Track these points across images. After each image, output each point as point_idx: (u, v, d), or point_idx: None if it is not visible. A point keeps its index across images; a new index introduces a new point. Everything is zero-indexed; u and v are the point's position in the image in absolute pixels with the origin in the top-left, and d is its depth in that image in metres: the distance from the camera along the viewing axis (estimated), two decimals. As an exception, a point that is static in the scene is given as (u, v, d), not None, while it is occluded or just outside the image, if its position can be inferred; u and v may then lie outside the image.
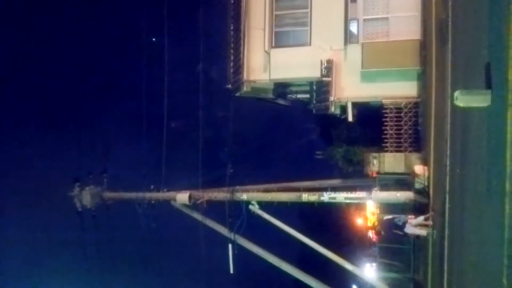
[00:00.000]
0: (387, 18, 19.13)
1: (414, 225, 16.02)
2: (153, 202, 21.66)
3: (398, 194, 18.08)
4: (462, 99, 9.51)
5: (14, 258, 38.00)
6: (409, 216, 16.22)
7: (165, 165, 21.43)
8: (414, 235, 16.72)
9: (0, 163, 37.09)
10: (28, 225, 36.29)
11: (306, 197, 19.39)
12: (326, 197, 19.07)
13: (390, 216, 17.14)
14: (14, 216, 36.41)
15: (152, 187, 21.79)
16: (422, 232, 16.08)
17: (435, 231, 15.10)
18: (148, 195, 21.66)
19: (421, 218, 15.94)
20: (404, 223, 16.26)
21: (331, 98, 19.46)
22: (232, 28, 20.91)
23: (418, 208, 17.49)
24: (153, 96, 23.14)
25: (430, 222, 15.56)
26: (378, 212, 20.08)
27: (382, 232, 18.54)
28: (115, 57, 35.07)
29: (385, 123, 19.46)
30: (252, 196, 20.46)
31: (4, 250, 37.79)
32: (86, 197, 21.95)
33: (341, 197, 19.02)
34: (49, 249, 36.70)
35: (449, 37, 13.47)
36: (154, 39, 22.74)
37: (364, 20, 19.38)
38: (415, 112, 18.99)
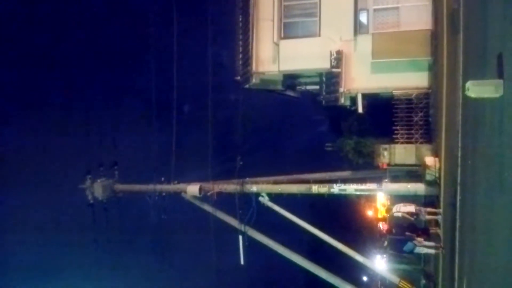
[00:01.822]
0: (397, 8, 18.89)
1: (422, 246, 16.13)
2: (163, 194, 21.81)
3: (408, 186, 17.98)
4: (473, 90, 9.43)
5: (27, 251, 38.66)
6: (418, 239, 16.22)
7: (175, 157, 21.56)
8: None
9: (12, 157, 37.63)
10: (40, 217, 36.86)
11: (316, 189, 19.37)
12: (336, 189, 19.01)
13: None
14: (26, 209, 36.96)
15: (162, 179, 21.93)
16: (431, 251, 16.22)
17: (443, 251, 15.19)
18: (158, 187, 21.81)
19: (431, 244, 16.01)
20: (414, 249, 16.28)
21: (341, 90, 19.32)
22: (240, 19, 20.81)
23: (429, 202, 17.40)
24: (162, 89, 23.24)
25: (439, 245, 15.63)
26: (389, 203, 20.01)
27: (393, 230, 18.46)
28: (125, 52, 35.22)
29: (396, 115, 19.30)
30: (262, 188, 20.50)
31: (16, 243, 38.44)
32: (97, 189, 22.13)
33: (351, 189, 18.94)
34: (62, 241, 37.25)
35: (460, 26, 13.29)
36: (162, 33, 22.74)
37: (374, 10, 19.16)
38: (426, 103, 18.79)
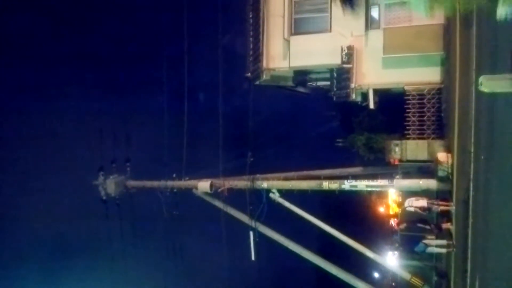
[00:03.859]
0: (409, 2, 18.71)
1: (434, 245, 16.06)
2: (175, 190, 21.97)
3: (420, 182, 17.83)
4: (486, 85, 9.35)
5: (41, 247, 39.23)
6: (429, 237, 16.16)
7: (187, 154, 21.69)
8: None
9: (25, 154, 38.15)
10: (54, 213, 37.35)
11: (326, 185, 19.30)
12: (347, 185, 18.93)
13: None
14: (40, 206, 37.45)
15: (174, 175, 22.10)
16: (442, 251, 16.15)
17: (455, 249, 15.13)
18: (170, 183, 21.97)
19: (442, 243, 15.94)
20: (425, 249, 16.24)
21: (352, 85, 19.25)
22: (251, 16, 20.81)
23: (441, 198, 17.29)
24: (174, 87, 23.38)
25: (451, 242, 15.55)
26: (400, 200, 19.91)
27: (404, 224, 18.40)
28: (137, 50, 35.52)
29: (408, 110, 19.18)
30: (272, 184, 20.51)
31: (31, 238, 38.99)
32: (110, 185, 22.40)
33: (362, 185, 18.83)
34: (75, 237, 37.78)
35: (473, 21, 13.14)
36: (174, 31, 22.87)
37: (386, 5, 19.01)
38: (438, 98, 18.63)
